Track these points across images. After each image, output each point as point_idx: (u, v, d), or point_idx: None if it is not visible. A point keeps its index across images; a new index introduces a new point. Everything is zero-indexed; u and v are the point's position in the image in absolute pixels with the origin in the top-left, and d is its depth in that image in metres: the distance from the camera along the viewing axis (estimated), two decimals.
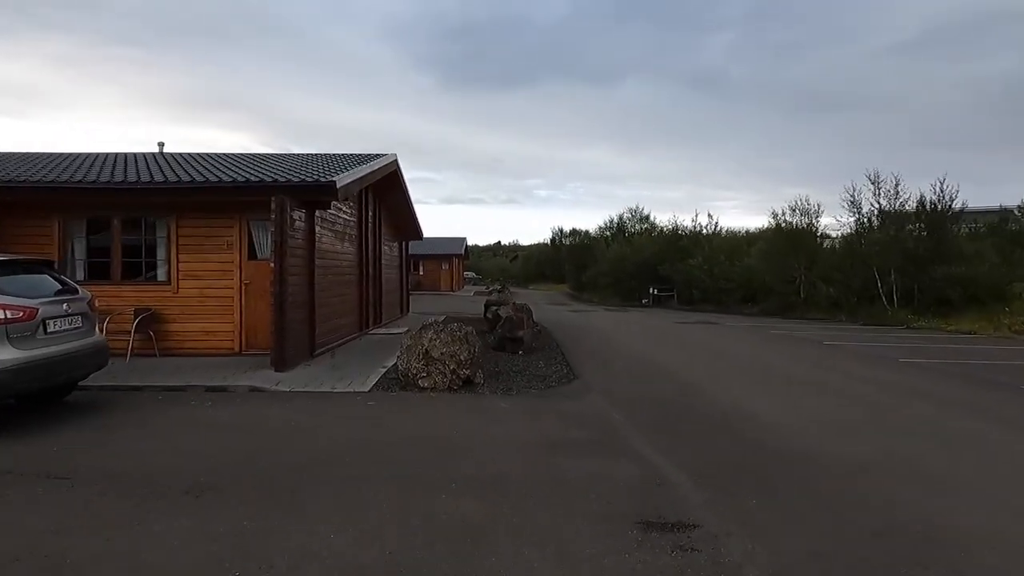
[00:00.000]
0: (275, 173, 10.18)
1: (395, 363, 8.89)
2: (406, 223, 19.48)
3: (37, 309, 5.93)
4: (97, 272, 10.52)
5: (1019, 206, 29.43)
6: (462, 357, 8.20)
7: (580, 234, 61.07)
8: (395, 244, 19.59)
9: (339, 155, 14.40)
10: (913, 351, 13.48)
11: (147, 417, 6.63)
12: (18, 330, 5.75)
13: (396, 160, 14.87)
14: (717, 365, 11.40)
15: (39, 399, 6.70)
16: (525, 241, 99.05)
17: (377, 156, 13.91)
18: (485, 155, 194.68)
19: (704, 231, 36.81)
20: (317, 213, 10.75)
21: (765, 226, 33.14)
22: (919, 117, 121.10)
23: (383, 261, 16.80)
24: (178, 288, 10.41)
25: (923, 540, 3.75)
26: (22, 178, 9.61)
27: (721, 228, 37.95)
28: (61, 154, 13.48)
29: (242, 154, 14.51)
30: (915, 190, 27.92)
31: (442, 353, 8.13)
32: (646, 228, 47.69)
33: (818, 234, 28.01)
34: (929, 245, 22.32)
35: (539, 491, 4.46)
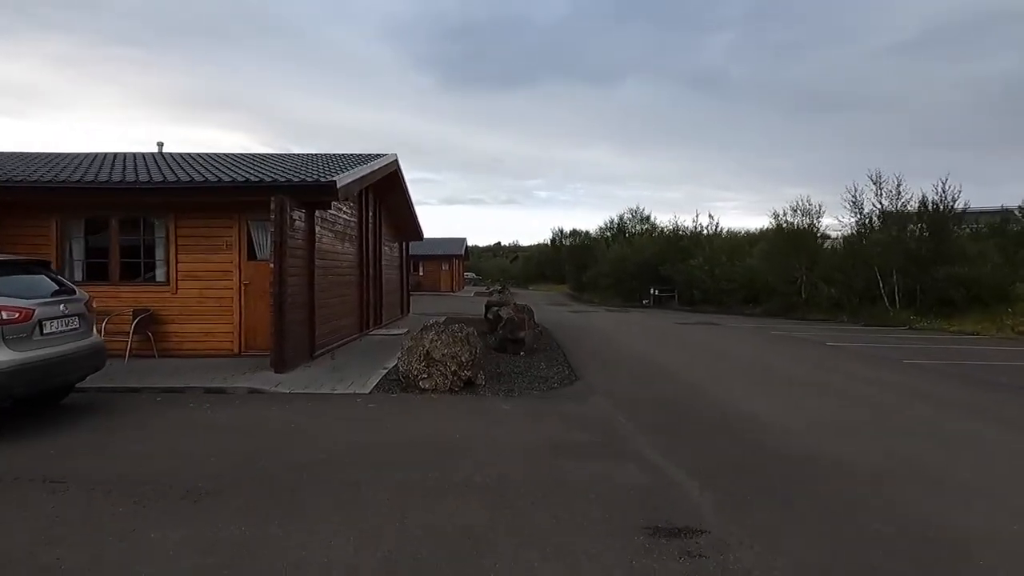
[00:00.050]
0: (275, 173, 10.10)
1: (396, 364, 8.81)
2: (406, 223, 19.41)
3: (33, 310, 5.85)
4: (95, 273, 10.45)
5: (1020, 206, 29.36)
6: (463, 358, 8.12)
7: (580, 235, 61.03)
8: (395, 244, 19.51)
9: (339, 155, 14.32)
10: (917, 352, 13.40)
11: (145, 419, 6.55)
12: (14, 331, 5.67)
13: (396, 160, 14.80)
14: (719, 366, 11.32)
15: (36, 401, 6.62)
16: (525, 242, 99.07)
17: (377, 156, 13.85)
18: (485, 155, 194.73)
19: (705, 231, 36.80)
20: (317, 213, 10.67)
21: (766, 227, 33.13)
22: (919, 117, 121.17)
23: (383, 262, 16.72)
24: (177, 289, 10.34)
25: (936, 547, 3.67)
26: (19, 178, 9.53)
27: (722, 228, 37.95)
28: (59, 154, 13.41)
29: (241, 154, 14.44)
30: (916, 190, 27.87)
31: (443, 354, 8.05)
32: (647, 228, 47.64)
33: (819, 234, 27.96)
34: (931, 245, 22.25)
35: (542, 495, 4.39)
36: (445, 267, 47.23)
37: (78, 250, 10.53)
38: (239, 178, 9.57)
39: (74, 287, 6.89)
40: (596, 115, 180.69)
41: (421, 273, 43.82)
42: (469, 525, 3.88)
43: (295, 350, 9.53)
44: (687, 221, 46.05)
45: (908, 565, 3.43)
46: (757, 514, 4.10)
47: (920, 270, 21.85)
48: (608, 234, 53.03)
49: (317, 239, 10.70)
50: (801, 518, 4.05)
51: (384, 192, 15.99)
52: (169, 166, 11.27)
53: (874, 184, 24.43)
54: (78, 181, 9.52)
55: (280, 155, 14.60)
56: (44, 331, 5.99)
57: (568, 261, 54.94)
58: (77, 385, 7.07)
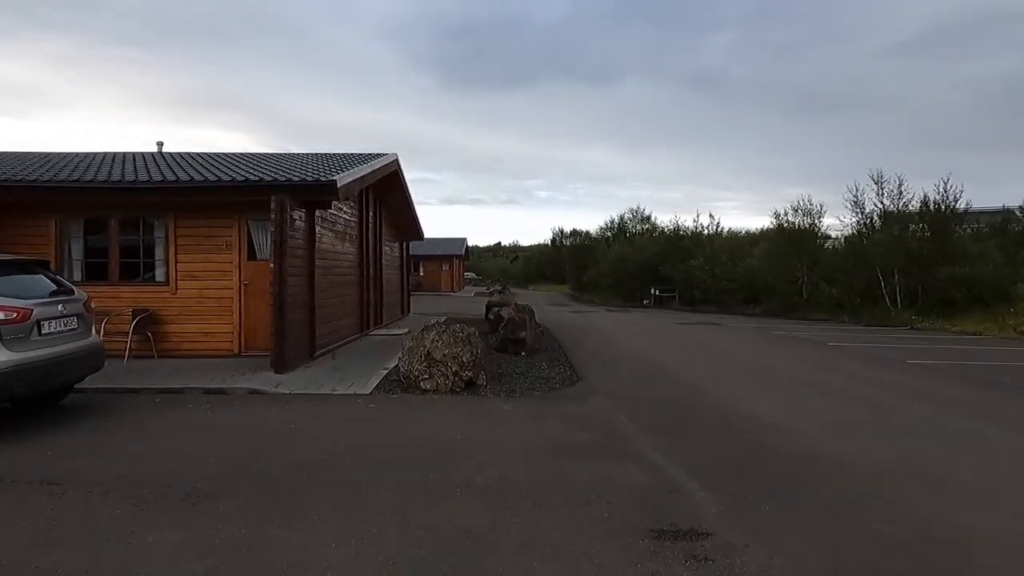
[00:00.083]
0: (274, 172, 10.06)
1: (396, 365, 8.76)
2: (407, 223, 19.36)
3: (31, 310, 5.80)
4: (94, 273, 10.40)
5: (1021, 206, 29.30)
6: (464, 359, 8.07)
7: (581, 235, 61.00)
8: (396, 244, 19.47)
9: (339, 155, 14.28)
10: (919, 352, 13.35)
11: (144, 420, 6.50)
12: (12, 332, 5.62)
13: (397, 159, 14.75)
14: (720, 366, 11.27)
15: (34, 402, 6.58)
16: (525, 242, 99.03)
17: (378, 156, 13.80)
18: (485, 155, 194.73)
19: (706, 231, 36.76)
20: (317, 213, 10.62)
21: (767, 227, 33.10)
22: (919, 117, 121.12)
23: (384, 261, 16.67)
24: (176, 289, 10.29)
25: (940, 548, 3.63)
26: (18, 177, 9.49)
27: (723, 228, 37.92)
28: (58, 154, 13.37)
29: (241, 154, 14.39)
30: (917, 190, 27.84)
31: (444, 355, 8.00)
32: (647, 228, 47.60)
33: (819, 235, 27.91)
34: (933, 245, 22.21)
35: (545, 497, 4.34)
36: (445, 267, 47.19)
37: (77, 250, 10.49)
38: (239, 177, 9.53)
39: (73, 287, 6.85)
40: (596, 115, 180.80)
41: (421, 273, 43.78)
42: (470, 526, 3.84)
43: (295, 350, 9.48)
44: (688, 221, 46.07)
45: (914, 567, 3.39)
46: (761, 516, 4.05)
47: (922, 270, 21.80)
48: (608, 234, 52.99)
49: (317, 239, 10.65)
50: (806, 520, 4.01)
51: (384, 192, 15.95)
52: (169, 166, 11.22)
53: (875, 184, 24.43)
54: (77, 181, 9.47)
55: (280, 155, 14.55)
56: (42, 331, 5.94)
57: (568, 261, 54.92)
58: (76, 386, 7.02)
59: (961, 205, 22.84)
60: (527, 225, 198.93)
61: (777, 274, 26.48)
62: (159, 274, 10.44)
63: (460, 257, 50.15)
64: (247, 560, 3.40)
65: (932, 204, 23.01)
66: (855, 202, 25.16)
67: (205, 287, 10.32)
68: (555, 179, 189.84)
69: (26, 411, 6.53)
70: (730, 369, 10.97)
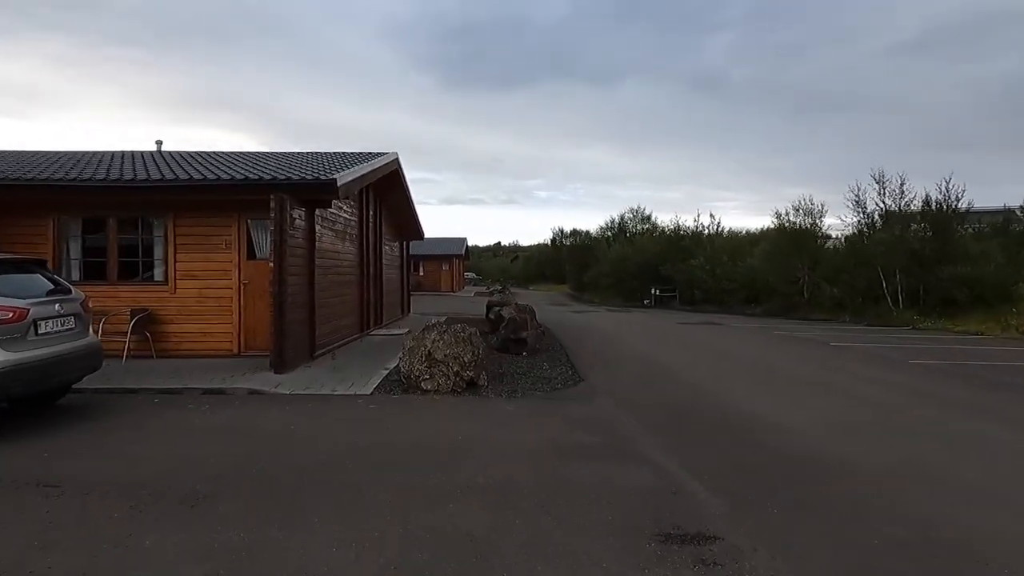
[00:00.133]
0: (274, 171, 10.00)
1: (397, 365, 8.70)
2: (407, 223, 19.30)
3: (28, 310, 5.74)
4: (93, 272, 10.34)
5: (1022, 206, 29.25)
6: (466, 359, 8.01)
7: (581, 234, 60.94)
8: (396, 244, 19.40)
9: (339, 153, 14.23)
10: (922, 352, 13.29)
11: (142, 420, 6.44)
12: (8, 331, 5.56)
13: (397, 159, 14.69)
14: (722, 367, 11.21)
15: (31, 402, 6.51)
16: (525, 242, 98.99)
17: (378, 155, 13.74)
18: (485, 155, 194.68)
19: (706, 231, 36.70)
20: (317, 212, 10.56)
21: (767, 226, 33.04)
22: (919, 118, 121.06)
23: (384, 261, 16.61)
24: (175, 288, 10.22)
25: (952, 551, 3.56)
26: (16, 175, 9.43)
27: (723, 228, 37.86)
28: (57, 152, 13.30)
29: (241, 153, 14.33)
30: (919, 190, 27.76)
31: (445, 355, 7.94)
32: (648, 228, 47.53)
33: (819, 234, 27.84)
34: (935, 245, 22.16)
35: (549, 500, 4.28)
36: (445, 267, 47.12)
37: (76, 249, 10.42)
38: (238, 176, 9.47)
39: (70, 286, 6.78)
40: (596, 115, 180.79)
41: (421, 273, 43.72)
42: (473, 529, 3.77)
43: (295, 350, 9.41)
44: (688, 221, 45.89)
45: (923, 571, 3.33)
46: (769, 519, 3.99)
47: (923, 270, 21.75)
48: (609, 234, 52.92)
49: (317, 238, 10.59)
50: (813, 522, 3.95)
51: (385, 191, 15.88)
52: (168, 165, 11.16)
53: (877, 183, 24.38)
54: (75, 179, 9.41)
55: (280, 154, 14.48)
56: (39, 331, 5.88)
57: (569, 261, 54.86)
58: (74, 386, 6.96)
59: (963, 205, 22.82)
60: (527, 225, 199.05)
61: (778, 274, 26.41)
62: (158, 273, 10.38)
63: (460, 257, 50.09)
64: (247, 563, 3.34)
65: (934, 204, 22.97)
66: (857, 202, 25.15)
67: (204, 287, 10.25)
68: (555, 179, 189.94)
69: (23, 412, 6.46)
70: (732, 369, 10.91)
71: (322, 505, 4.16)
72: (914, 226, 23.37)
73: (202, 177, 9.53)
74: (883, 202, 24.45)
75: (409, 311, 21.16)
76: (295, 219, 9.55)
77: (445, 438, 5.90)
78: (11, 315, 5.59)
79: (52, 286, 6.41)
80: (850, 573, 3.29)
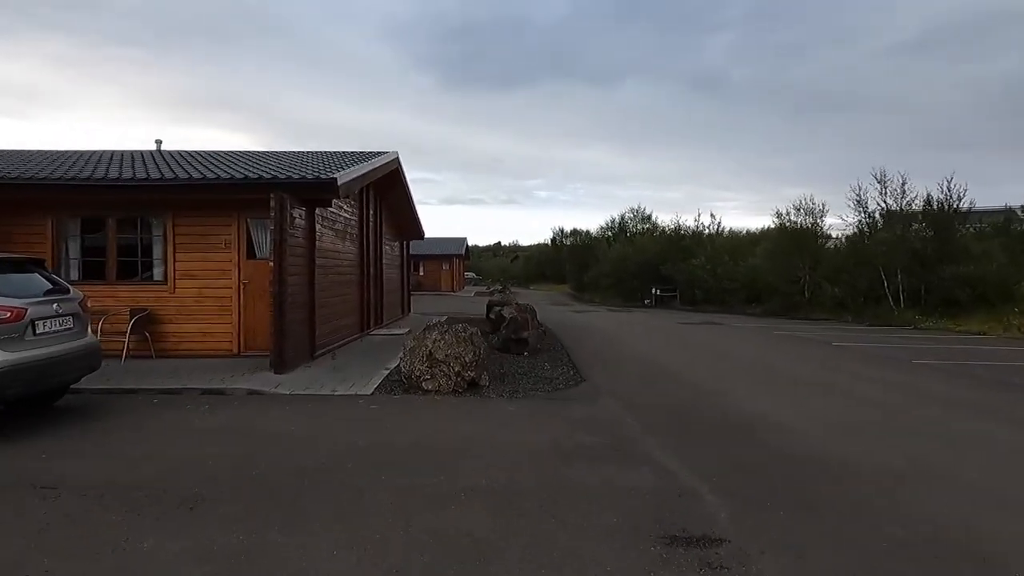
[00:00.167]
0: (274, 170, 9.95)
1: (398, 365, 8.65)
2: (407, 222, 19.24)
3: (25, 309, 5.69)
4: (92, 272, 10.29)
5: (1023, 206, 29.19)
6: (467, 359, 7.96)
7: (581, 234, 60.83)
8: (396, 244, 19.35)
9: (339, 153, 14.18)
10: (925, 352, 13.24)
11: (141, 421, 6.39)
12: (5, 331, 5.51)
13: (398, 158, 14.63)
14: (725, 367, 11.16)
15: (29, 403, 6.46)
16: (525, 241, 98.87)
17: (378, 153, 13.69)
18: (485, 155, 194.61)
19: (707, 231, 36.63)
20: (317, 211, 10.51)
21: (768, 226, 32.98)
22: (919, 118, 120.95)
23: (384, 261, 16.56)
24: (175, 288, 10.17)
25: (966, 555, 3.51)
26: (14, 174, 9.38)
27: (724, 228, 37.79)
28: (56, 152, 13.25)
29: (240, 152, 14.28)
30: (920, 190, 27.73)
31: (446, 355, 7.88)
32: (648, 228, 47.43)
33: (820, 234, 27.77)
34: (936, 245, 22.10)
35: (552, 501, 4.23)
36: (445, 267, 47.08)
37: (74, 249, 10.37)
38: (238, 175, 9.42)
39: (68, 286, 6.73)
40: (596, 115, 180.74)
41: (421, 273, 43.68)
42: (475, 532, 3.72)
43: (295, 350, 9.36)
44: (689, 220, 45.77)
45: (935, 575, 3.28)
46: (775, 521, 3.94)
47: (925, 269, 21.69)
48: (609, 233, 52.82)
49: (317, 237, 10.53)
50: (821, 525, 3.89)
51: (385, 190, 15.83)
52: (167, 164, 11.10)
53: (879, 183, 24.32)
54: (73, 178, 9.36)
55: (280, 153, 14.41)
56: (37, 331, 5.83)
57: (569, 261, 54.76)
58: (72, 386, 6.91)
59: (964, 204, 22.76)
60: (527, 225, 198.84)
61: (779, 274, 26.35)
62: (157, 273, 10.32)
63: (460, 257, 50.04)
64: (246, 568, 3.29)
65: (935, 203, 22.90)
66: (858, 201, 25.10)
67: (204, 286, 10.20)
68: (555, 179, 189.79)
69: (21, 412, 6.40)
70: (734, 369, 10.86)
71: (322, 507, 4.11)
72: (915, 226, 23.31)
73: (201, 176, 9.48)
74: (884, 201, 24.43)
75: (409, 311, 21.11)
76: (295, 218, 9.50)
77: (446, 439, 5.85)
78: (8, 315, 5.54)
79: (50, 286, 6.36)
80: None
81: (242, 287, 10.25)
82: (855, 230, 25.86)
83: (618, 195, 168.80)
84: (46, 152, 13.10)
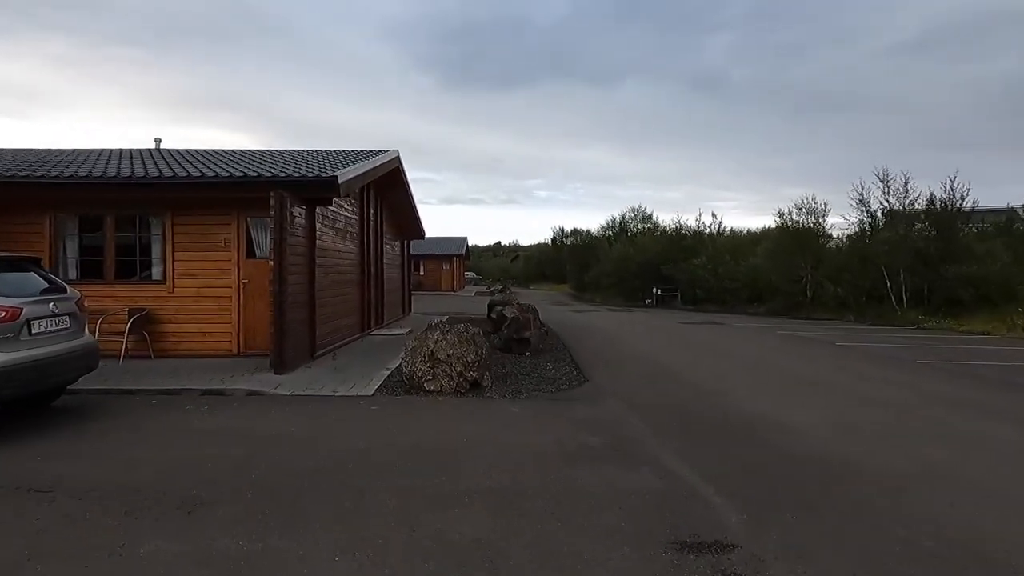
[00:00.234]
0: (274, 168, 9.87)
1: (399, 365, 8.56)
2: (408, 222, 19.15)
3: (21, 309, 5.60)
4: (90, 271, 10.20)
5: None
6: (469, 359, 7.87)
7: (582, 234, 60.68)
8: (397, 243, 19.26)
9: (340, 151, 14.09)
10: (928, 352, 13.15)
11: (139, 422, 6.30)
12: (0, 331, 5.41)
13: (398, 156, 14.54)
14: (728, 367, 11.07)
15: (25, 404, 6.36)
16: (525, 241, 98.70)
17: (379, 152, 13.60)
18: (485, 155, 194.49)
19: (708, 231, 36.53)
20: (318, 210, 10.41)
21: (770, 225, 32.89)
22: (919, 118, 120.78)
23: (385, 260, 16.47)
24: (174, 287, 10.08)
25: (985, 563, 3.41)
26: (11, 173, 9.29)
27: (725, 228, 37.68)
28: (55, 150, 13.16)
29: (240, 150, 14.19)
30: (921, 189, 27.63)
31: (448, 355, 7.79)
32: (649, 228, 47.30)
33: (821, 234, 27.67)
34: (939, 244, 22.00)
35: (558, 504, 4.14)
36: (446, 266, 47.00)
37: (72, 248, 10.28)
38: (237, 174, 9.33)
39: (65, 285, 6.64)
40: (596, 115, 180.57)
41: (422, 272, 43.60)
42: (480, 536, 3.63)
43: (295, 350, 9.27)
44: (690, 220, 45.64)
45: None
46: (787, 525, 3.84)
47: (928, 269, 21.60)
48: (610, 233, 52.66)
49: (318, 236, 10.44)
50: (832, 529, 3.80)
51: (386, 189, 15.74)
52: (166, 162, 11.01)
53: (881, 182, 24.23)
54: (71, 176, 9.27)
55: (280, 151, 14.32)
56: (33, 331, 5.74)
57: (569, 260, 54.62)
58: (69, 387, 6.82)
59: (968, 204, 22.67)
60: (527, 225, 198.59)
61: (781, 273, 26.25)
62: (156, 272, 10.23)
63: (460, 256, 49.96)
64: (245, 573, 3.20)
65: (938, 203, 22.81)
66: (860, 200, 25.01)
67: (203, 286, 10.11)
68: (555, 179, 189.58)
69: (16, 413, 6.31)
70: (737, 369, 10.77)
71: (323, 510, 4.02)
72: (918, 225, 23.22)
73: (201, 175, 9.39)
74: (887, 201, 24.33)
75: (410, 311, 21.03)
76: (295, 217, 9.41)
77: (449, 440, 5.76)
78: (4, 314, 5.45)
79: (46, 285, 6.27)
80: None
81: (242, 286, 10.16)
82: (857, 229, 25.78)
83: (618, 195, 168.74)
84: (44, 150, 13.01)
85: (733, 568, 3.23)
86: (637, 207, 53.16)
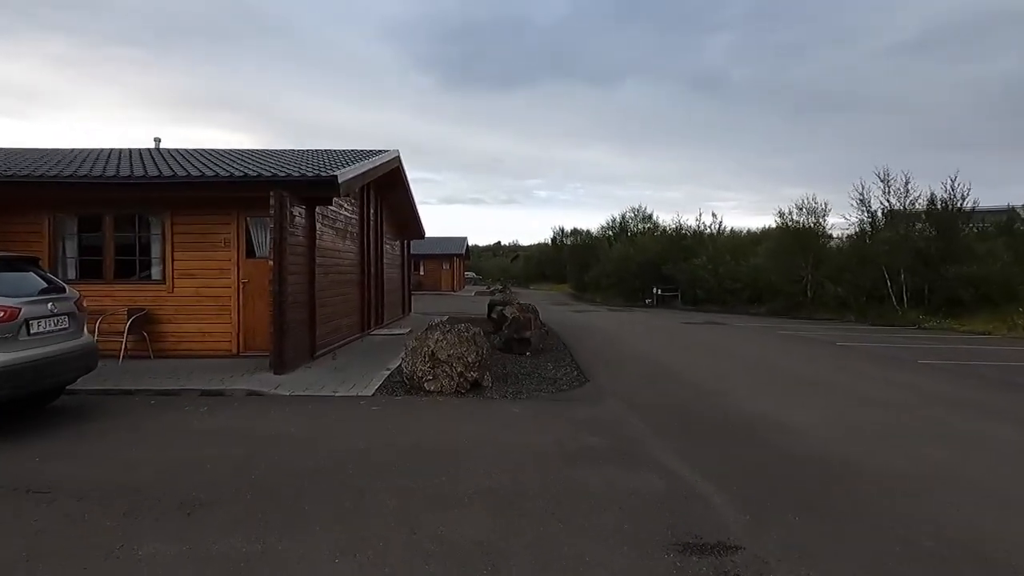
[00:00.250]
0: (274, 168, 9.84)
1: (399, 365, 8.54)
2: (408, 221, 19.12)
3: (19, 309, 5.57)
4: (89, 271, 10.17)
5: None
6: (470, 359, 7.84)
7: (582, 234, 60.63)
8: (397, 243, 19.23)
9: (340, 151, 14.06)
10: (930, 352, 13.13)
11: (138, 423, 6.27)
12: None
13: (399, 156, 14.51)
14: (729, 368, 11.04)
15: (23, 405, 6.33)
16: (525, 241, 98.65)
17: (379, 152, 13.57)
18: (485, 155, 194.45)
19: (708, 230, 36.49)
20: (318, 210, 10.39)
21: (770, 225, 32.86)
22: (919, 118, 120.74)
23: (385, 260, 16.44)
24: (173, 287, 10.05)
25: (995, 567, 3.39)
26: (10, 172, 9.26)
27: (725, 228, 37.63)
28: (54, 150, 13.13)
29: (240, 150, 14.16)
30: (922, 189, 27.62)
31: (449, 355, 7.77)
32: (649, 227, 47.24)
33: (822, 233, 27.63)
34: (940, 244, 21.97)
35: (559, 505, 4.11)
36: (446, 266, 46.96)
37: (72, 247, 10.25)
38: (237, 173, 9.30)
39: (64, 285, 6.61)
40: (596, 115, 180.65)
41: (422, 272, 43.56)
42: (482, 538, 3.61)
43: (295, 350, 9.24)
44: (690, 220, 45.59)
45: None
46: (789, 526, 3.82)
47: (929, 269, 21.57)
48: (610, 233, 52.59)
49: (318, 236, 10.42)
50: (836, 531, 3.77)
51: (386, 189, 15.71)
52: (166, 161, 10.98)
53: (882, 182, 24.21)
54: (70, 176, 9.24)
55: (280, 151, 14.29)
56: (31, 331, 5.71)
57: (569, 260, 54.57)
58: (68, 387, 6.79)
59: (968, 204, 22.64)
60: (527, 225, 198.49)
61: (781, 273, 26.22)
62: (155, 272, 10.20)
63: (460, 256, 49.92)
64: (245, 575, 3.17)
65: (939, 202, 22.79)
66: (861, 200, 24.98)
67: (203, 286, 10.08)
68: (555, 179, 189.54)
69: (15, 414, 6.28)
70: (738, 369, 10.74)
71: (323, 512, 3.99)
72: (919, 225, 23.19)
73: (200, 174, 9.36)
74: (888, 201, 24.31)
75: (410, 310, 21.00)
76: (295, 217, 9.38)
77: (449, 440, 5.74)
78: (2, 314, 5.42)
79: (45, 285, 6.24)
80: None
81: (241, 286, 10.13)
82: (858, 229, 25.76)
83: (618, 195, 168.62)
84: (43, 150, 12.98)
85: (736, 570, 3.21)
86: (637, 207, 53.13)
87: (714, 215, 71.73)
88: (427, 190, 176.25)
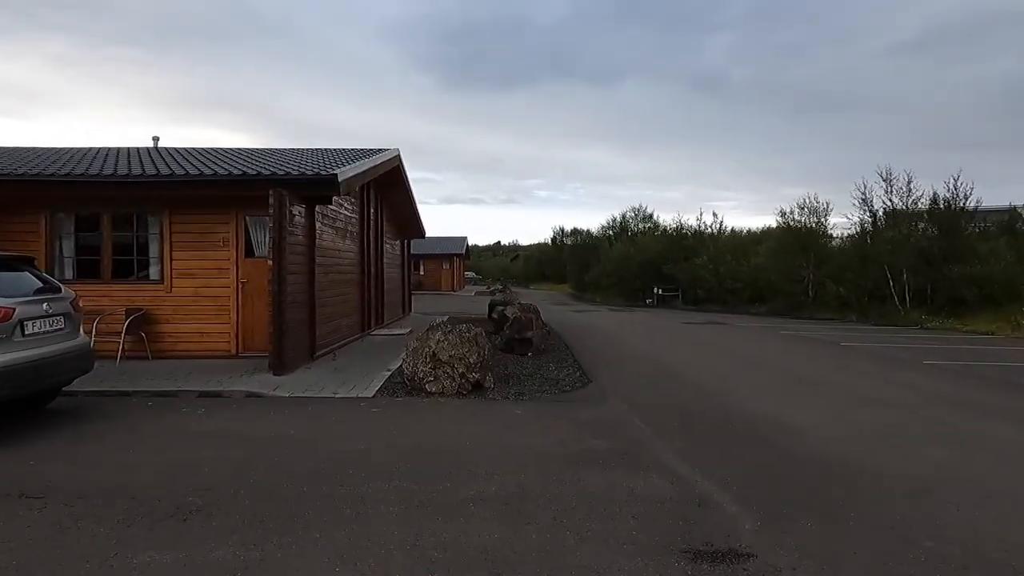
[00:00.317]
0: (273, 167, 9.75)
1: (400, 366, 8.44)
2: (408, 221, 19.03)
3: (13, 309, 5.47)
4: (86, 270, 10.07)
5: None
6: (471, 360, 7.74)
7: (582, 234, 60.49)
8: (397, 242, 19.13)
9: (340, 150, 13.96)
10: (933, 352, 13.03)
11: (135, 425, 6.17)
12: None
13: (399, 155, 14.41)
14: (732, 368, 10.95)
15: (19, 406, 6.23)
16: (525, 241, 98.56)
17: (379, 151, 13.47)
18: (485, 155, 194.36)
19: (709, 230, 36.40)
20: (317, 209, 10.29)
21: (771, 225, 32.77)
22: (919, 118, 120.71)
23: (385, 260, 16.34)
24: (171, 287, 9.95)
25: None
26: (6, 171, 9.16)
27: (726, 227, 37.53)
28: (52, 149, 13.02)
29: (239, 149, 14.06)
30: (924, 189, 27.50)
31: (450, 356, 7.67)
32: (650, 227, 47.12)
33: (823, 233, 27.54)
34: (942, 244, 21.88)
35: (565, 511, 4.01)
36: (446, 266, 46.87)
37: (69, 247, 10.15)
38: (236, 172, 9.21)
39: (60, 285, 6.51)
40: (596, 115, 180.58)
41: (422, 272, 43.47)
42: (487, 545, 3.51)
43: (295, 351, 9.14)
44: (691, 220, 45.46)
45: None
46: (802, 532, 3.72)
47: (931, 268, 21.48)
48: (611, 233, 52.48)
49: (318, 235, 10.32)
50: (850, 537, 3.67)
51: (386, 188, 15.61)
52: (164, 160, 10.88)
53: (884, 181, 24.11)
54: (68, 175, 9.14)
55: (279, 150, 14.20)
56: (26, 331, 5.61)
57: (570, 260, 54.46)
58: (64, 388, 6.69)
59: (971, 203, 22.55)
60: (527, 225, 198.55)
61: (782, 273, 26.15)
62: (153, 272, 10.10)
63: (460, 256, 49.83)
64: None
65: (942, 202, 22.70)
66: (863, 200, 24.89)
67: (201, 285, 9.98)
68: (555, 179, 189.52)
69: (9, 416, 6.17)
70: (741, 370, 10.65)
71: (323, 517, 3.89)
72: (921, 224, 23.10)
73: (199, 173, 9.27)
74: (890, 200, 24.22)
75: (410, 310, 20.91)
76: (295, 216, 9.28)
77: (452, 443, 5.64)
78: None
79: (40, 284, 6.14)
80: None
81: (240, 286, 10.03)
82: (859, 229, 25.67)
83: (618, 195, 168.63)
84: (42, 149, 12.88)
85: None
86: (637, 207, 52.96)
87: (715, 215, 71.48)
88: (427, 190, 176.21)
